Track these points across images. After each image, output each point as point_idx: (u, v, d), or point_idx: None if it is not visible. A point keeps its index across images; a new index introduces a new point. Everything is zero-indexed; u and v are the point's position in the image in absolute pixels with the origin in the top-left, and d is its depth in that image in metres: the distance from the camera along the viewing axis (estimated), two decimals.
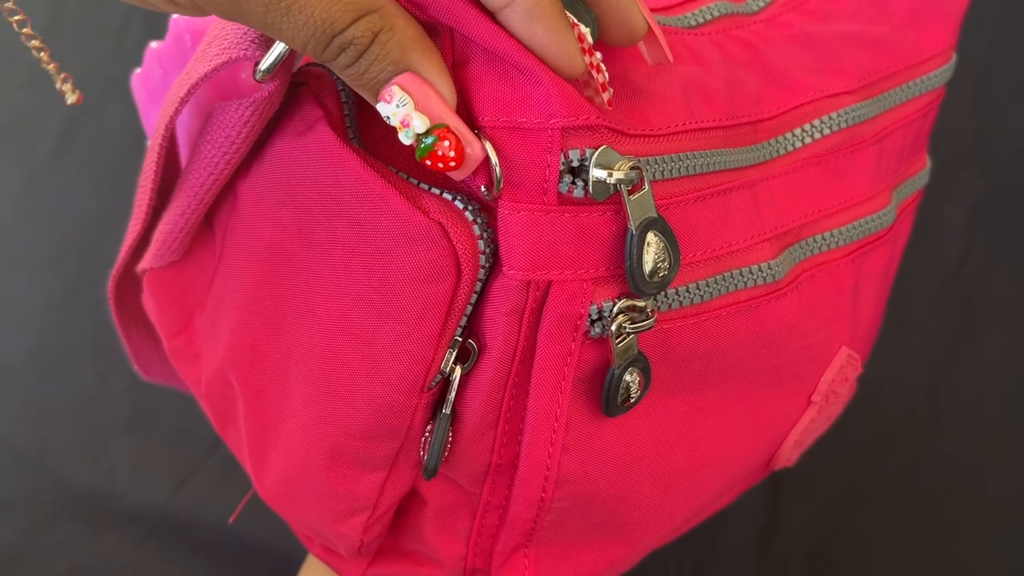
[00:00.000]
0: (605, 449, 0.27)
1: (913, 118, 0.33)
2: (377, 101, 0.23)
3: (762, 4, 0.31)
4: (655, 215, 0.24)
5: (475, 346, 0.25)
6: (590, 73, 0.23)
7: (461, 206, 0.24)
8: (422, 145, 0.22)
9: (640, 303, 0.25)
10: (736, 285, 0.27)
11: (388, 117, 0.22)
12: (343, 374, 0.26)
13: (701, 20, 0.29)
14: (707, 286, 0.27)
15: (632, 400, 0.26)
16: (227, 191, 0.28)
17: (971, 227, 0.63)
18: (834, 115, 0.30)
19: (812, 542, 0.50)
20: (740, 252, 0.27)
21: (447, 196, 0.24)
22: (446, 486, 0.28)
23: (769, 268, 0.28)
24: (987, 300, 0.60)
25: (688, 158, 0.26)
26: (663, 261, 0.24)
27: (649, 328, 0.25)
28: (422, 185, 0.25)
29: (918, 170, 0.36)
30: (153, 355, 0.35)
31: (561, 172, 0.23)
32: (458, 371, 0.25)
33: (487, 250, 0.24)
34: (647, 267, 0.24)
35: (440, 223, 0.24)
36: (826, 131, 0.30)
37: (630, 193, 0.24)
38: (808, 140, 0.29)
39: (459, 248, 0.24)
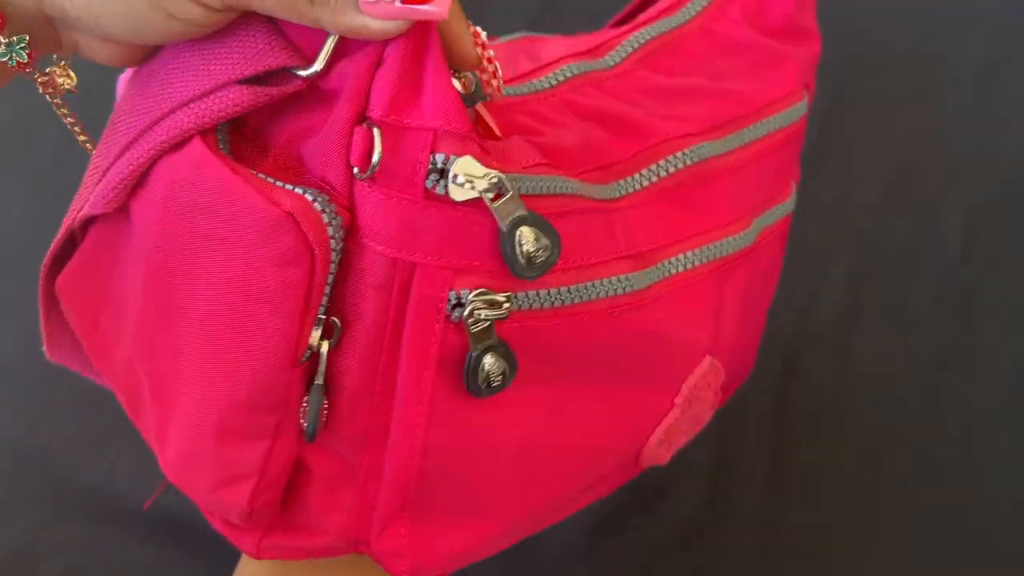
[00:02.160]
0: (471, 427, 0.31)
1: (768, 152, 0.38)
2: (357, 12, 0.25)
3: (617, 60, 0.35)
4: (525, 213, 0.28)
5: (338, 323, 0.29)
6: (484, 61, 0.29)
7: (310, 198, 0.27)
8: None
9: (499, 297, 0.29)
10: (597, 294, 0.31)
11: None
12: (225, 352, 0.29)
13: (552, 83, 0.33)
14: (568, 292, 0.30)
15: (496, 385, 0.30)
16: (120, 213, 0.31)
17: (971, 227, 0.63)
18: (679, 154, 0.34)
19: (812, 541, 0.50)
20: (598, 265, 0.31)
21: (298, 191, 0.28)
22: (330, 457, 0.32)
23: (628, 279, 0.32)
24: (987, 300, 0.60)
25: (543, 179, 0.29)
26: (540, 249, 0.28)
27: (501, 318, 0.29)
28: (277, 183, 0.28)
29: (781, 200, 0.40)
30: (66, 339, 0.38)
31: (429, 171, 0.27)
32: (325, 345, 0.29)
33: (336, 235, 0.28)
34: (522, 257, 0.28)
35: (290, 213, 0.27)
36: (671, 169, 0.34)
37: (493, 200, 0.27)
38: (654, 179, 0.33)
39: (309, 234, 0.27)
